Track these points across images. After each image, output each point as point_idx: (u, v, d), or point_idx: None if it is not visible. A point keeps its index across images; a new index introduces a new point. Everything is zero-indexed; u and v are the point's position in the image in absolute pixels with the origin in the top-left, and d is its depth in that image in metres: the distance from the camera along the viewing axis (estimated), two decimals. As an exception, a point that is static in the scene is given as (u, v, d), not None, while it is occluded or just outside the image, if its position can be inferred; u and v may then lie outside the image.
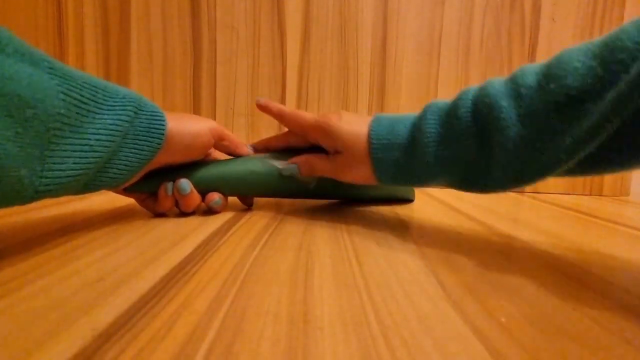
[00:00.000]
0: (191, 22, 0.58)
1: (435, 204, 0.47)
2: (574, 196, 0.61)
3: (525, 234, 0.33)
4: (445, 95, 0.61)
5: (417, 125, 0.29)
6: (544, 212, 0.45)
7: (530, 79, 0.24)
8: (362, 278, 0.21)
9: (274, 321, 0.16)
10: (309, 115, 0.37)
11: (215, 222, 0.33)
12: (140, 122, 0.28)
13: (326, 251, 0.26)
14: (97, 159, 0.24)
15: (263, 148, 0.41)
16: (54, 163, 0.21)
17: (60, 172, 0.21)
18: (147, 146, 0.29)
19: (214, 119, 0.59)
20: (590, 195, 0.63)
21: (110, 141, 0.25)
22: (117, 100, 0.26)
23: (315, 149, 0.37)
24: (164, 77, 0.58)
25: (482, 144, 0.26)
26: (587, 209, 0.49)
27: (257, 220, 0.34)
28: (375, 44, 0.60)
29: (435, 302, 0.19)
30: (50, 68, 0.20)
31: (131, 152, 0.28)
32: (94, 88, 0.24)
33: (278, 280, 0.20)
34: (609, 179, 0.64)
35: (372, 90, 0.60)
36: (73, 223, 0.31)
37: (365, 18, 0.59)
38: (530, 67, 0.25)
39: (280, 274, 0.21)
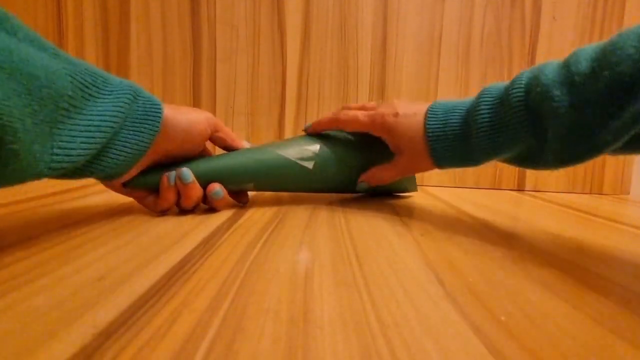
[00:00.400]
0: (191, 20, 0.58)
1: (435, 202, 0.47)
2: (574, 195, 0.61)
3: (525, 233, 0.33)
4: (445, 95, 0.61)
5: (471, 114, 0.31)
6: (544, 211, 0.45)
7: (584, 66, 0.24)
8: (362, 277, 0.21)
9: (274, 320, 0.16)
10: (362, 116, 0.38)
11: (215, 221, 0.33)
12: (138, 107, 0.29)
13: (326, 250, 0.26)
14: (100, 140, 0.25)
15: (315, 131, 0.42)
16: (62, 141, 0.22)
17: (68, 150, 0.22)
18: (145, 130, 0.29)
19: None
20: (591, 193, 0.63)
21: (112, 122, 0.26)
22: (115, 86, 0.27)
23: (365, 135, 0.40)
24: (163, 75, 0.58)
25: (535, 132, 0.27)
26: (587, 208, 0.49)
27: (257, 219, 0.34)
28: (375, 43, 0.60)
29: (435, 301, 0.19)
30: (55, 54, 0.22)
31: (130, 136, 0.28)
32: (94, 74, 0.25)
33: (278, 279, 0.20)
34: (609, 178, 0.64)
35: (372, 89, 0.60)
36: (73, 222, 0.31)
37: (365, 17, 0.59)
38: (585, 51, 0.25)
39: (280, 273, 0.21)
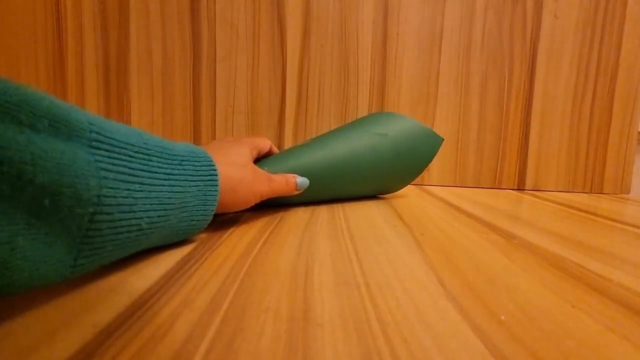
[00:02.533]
0: (190, 19, 0.58)
1: (435, 201, 0.47)
2: (574, 194, 0.61)
3: (525, 232, 0.33)
4: (446, 93, 0.61)
5: None
6: (544, 210, 0.45)
7: None
8: (362, 276, 0.21)
9: (274, 319, 0.16)
10: None
11: (215, 220, 0.33)
12: (198, 190, 0.25)
13: (326, 249, 0.26)
14: (146, 236, 0.21)
15: None
16: (92, 249, 0.17)
17: (96, 256, 0.18)
18: (198, 220, 0.26)
19: (214, 117, 0.59)
20: (591, 193, 0.63)
21: (162, 215, 0.22)
22: (174, 166, 0.23)
23: None
24: (163, 74, 0.58)
25: None
26: (587, 207, 0.49)
27: (257, 218, 0.34)
28: (375, 42, 0.60)
29: (435, 300, 0.19)
30: (95, 140, 0.17)
31: (180, 223, 0.24)
32: (146, 156, 0.21)
33: (278, 278, 0.20)
34: (609, 177, 0.64)
35: (373, 88, 0.60)
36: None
37: (365, 16, 0.59)
38: None
39: (280, 272, 0.21)
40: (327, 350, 0.14)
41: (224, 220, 0.33)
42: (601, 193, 0.64)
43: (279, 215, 0.36)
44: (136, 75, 0.58)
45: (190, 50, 0.58)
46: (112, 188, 0.18)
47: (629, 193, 0.64)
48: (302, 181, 0.37)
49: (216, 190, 0.26)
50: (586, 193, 0.63)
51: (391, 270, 0.22)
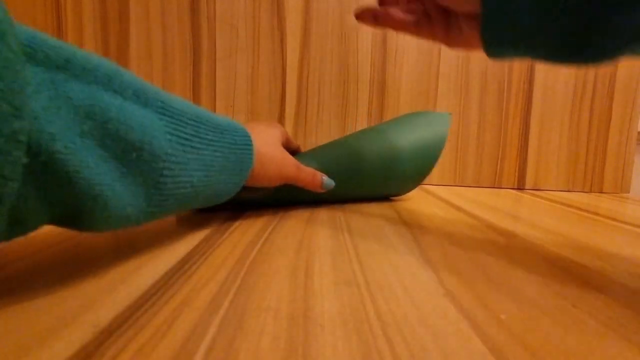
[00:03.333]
0: (190, 18, 0.58)
1: (435, 201, 0.47)
2: (574, 193, 0.61)
3: (525, 231, 0.33)
4: (446, 92, 0.61)
5: None
6: (544, 209, 0.45)
7: None
8: (363, 275, 0.21)
9: (274, 318, 0.16)
10: None
11: (215, 220, 0.33)
12: (235, 157, 0.28)
13: (326, 249, 0.26)
14: (195, 192, 0.24)
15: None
16: (160, 200, 0.21)
17: (161, 207, 0.21)
18: (234, 183, 0.29)
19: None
20: (590, 192, 0.63)
21: (207, 176, 0.25)
22: (217, 134, 0.26)
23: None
24: (163, 74, 0.58)
25: None
26: (587, 206, 0.49)
27: (257, 218, 0.34)
28: (375, 41, 0.60)
29: (435, 299, 0.19)
30: (162, 108, 0.21)
31: (219, 187, 0.27)
32: (196, 124, 0.24)
33: (278, 278, 0.20)
34: (609, 176, 0.64)
35: (373, 87, 0.60)
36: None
37: (365, 15, 0.59)
38: None
39: (280, 271, 0.21)
40: (327, 350, 0.14)
41: (224, 219, 0.33)
42: (601, 192, 0.64)
43: (279, 215, 0.36)
44: (136, 75, 0.57)
45: (190, 49, 0.58)
46: (174, 148, 0.21)
47: (628, 192, 0.64)
48: (329, 182, 0.38)
49: (250, 159, 0.30)
50: (586, 192, 0.63)
51: (391, 270, 0.22)
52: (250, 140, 0.30)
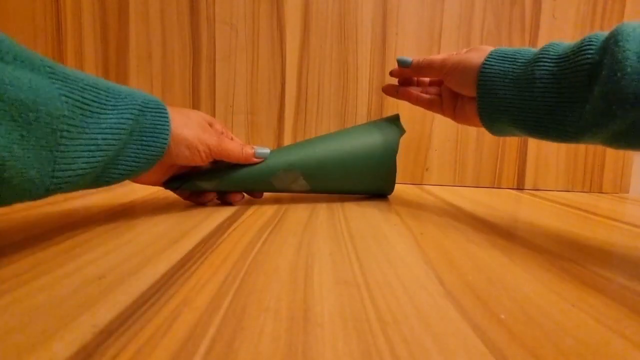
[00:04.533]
0: (190, 19, 0.58)
1: (435, 201, 0.47)
2: (574, 193, 0.61)
3: (524, 231, 0.33)
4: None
5: (530, 64, 0.29)
6: (544, 209, 0.45)
7: None
8: (362, 275, 0.21)
9: (274, 318, 0.16)
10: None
11: (215, 220, 0.33)
12: (146, 119, 0.28)
13: (326, 249, 0.26)
14: (105, 157, 0.24)
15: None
16: (64, 163, 0.21)
17: (70, 171, 0.22)
18: (154, 143, 0.29)
19: (214, 117, 0.59)
20: (590, 192, 0.63)
21: (116, 139, 0.25)
22: (120, 100, 0.26)
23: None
24: (163, 74, 0.58)
25: (594, 75, 0.25)
26: (587, 206, 0.49)
27: (257, 218, 0.34)
28: (375, 41, 0.60)
29: (434, 299, 0.19)
30: (51, 73, 0.21)
31: (138, 149, 0.28)
32: (95, 90, 0.24)
33: (278, 278, 0.20)
34: (608, 176, 0.64)
35: (372, 88, 0.60)
36: (73, 221, 0.31)
37: (364, 15, 0.59)
38: None
39: (280, 271, 0.21)
40: (327, 349, 0.14)
41: (224, 219, 0.33)
42: (600, 192, 0.64)
43: (279, 215, 0.36)
44: (136, 75, 0.57)
45: (190, 50, 0.58)
46: (71, 111, 0.21)
47: (628, 192, 0.64)
48: (261, 151, 0.38)
49: (167, 119, 0.30)
50: (585, 192, 0.63)
51: (391, 270, 0.22)
52: (162, 103, 0.30)
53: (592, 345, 0.15)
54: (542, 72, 0.28)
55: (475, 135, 0.62)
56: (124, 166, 0.27)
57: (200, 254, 0.24)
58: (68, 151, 0.21)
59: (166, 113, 0.30)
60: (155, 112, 0.29)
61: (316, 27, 0.59)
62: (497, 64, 0.31)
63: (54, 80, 0.21)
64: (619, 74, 0.23)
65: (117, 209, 0.36)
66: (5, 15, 0.55)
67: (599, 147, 0.63)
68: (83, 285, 0.19)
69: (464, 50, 0.36)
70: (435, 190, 0.57)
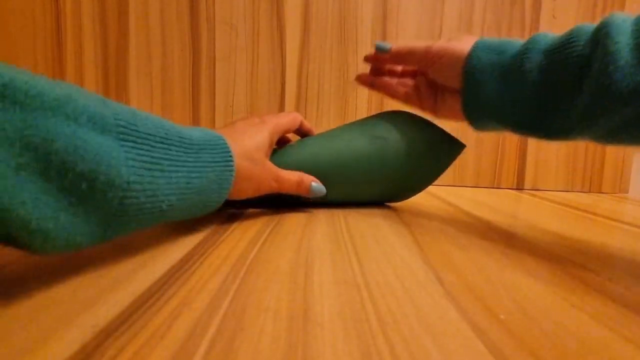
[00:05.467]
0: (190, 19, 0.58)
1: (434, 201, 0.47)
2: (573, 193, 0.61)
3: (524, 231, 0.33)
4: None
5: (521, 54, 0.28)
6: (543, 209, 0.45)
7: None
8: (362, 275, 0.21)
9: (274, 318, 0.16)
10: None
11: (215, 220, 0.33)
12: (214, 175, 0.26)
13: (326, 249, 0.26)
14: (163, 216, 0.23)
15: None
16: (119, 225, 0.20)
17: (122, 231, 0.20)
18: (216, 199, 0.28)
19: (213, 116, 0.59)
20: (590, 192, 0.63)
21: (180, 199, 0.23)
22: (191, 154, 0.24)
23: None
24: (162, 74, 0.58)
25: (584, 74, 0.24)
26: (586, 206, 0.49)
27: (256, 218, 0.34)
28: (374, 41, 0.60)
29: (434, 299, 0.19)
30: (122, 133, 0.19)
31: (198, 205, 0.26)
32: (166, 145, 0.22)
33: (278, 278, 0.20)
34: (608, 177, 0.64)
35: (372, 88, 0.60)
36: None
37: (364, 15, 0.59)
38: None
39: (280, 271, 0.21)
40: (327, 349, 0.14)
41: (224, 219, 0.33)
42: (600, 192, 0.64)
43: (279, 215, 0.36)
44: (135, 75, 0.57)
45: (190, 49, 0.58)
46: (138, 175, 0.20)
47: (627, 192, 0.64)
48: (317, 188, 0.36)
49: (231, 176, 0.28)
50: (585, 192, 0.63)
51: (391, 270, 0.22)
52: (231, 156, 0.28)
53: (592, 345, 0.15)
54: (531, 64, 0.27)
55: (475, 135, 0.62)
56: (178, 216, 0.25)
57: (200, 254, 0.24)
58: (125, 215, 0.20)
59: (232, 171, 0.28)
60: (222, 169, 0.27)
61: (316, 27, 0.59)
62: (484, 56, 0.29)
63: (123, 142, 0.19)
64: (611, 67, 0.22)
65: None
66: (5, 15, 0.55)
67: (599, 147, 0.63)
68: (83, 285, 0.19)
69: (445, 39, 0.34)
70: (435, 190, 0.57)
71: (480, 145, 0.62)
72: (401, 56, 0.36)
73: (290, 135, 0.44)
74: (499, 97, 0.29)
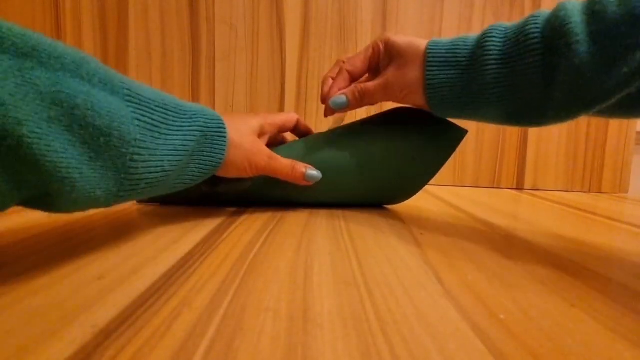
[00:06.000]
0: (190, 18, 0.58)
1: (434, 201, 0.47)
2: (573, 193, 0.61)
3: (524, 231, 0.33)
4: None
5: (479, 43, 0.28)
6: (543, 209, 0.45)
7: None
8: (362, 275, 0.21)
9: (274, 318, 0.16)
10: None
11: (215, 220, 0.33)
12: (206, 140, 0.28)
13: (326, 249, 0.26)
14: (166, 177, 0.25)
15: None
16: (130, 184, 0.22)
17: (133, 191, 0.22)
18: (210, 163, 0.30)
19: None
20: (589, 192, 0.63)
21: (178, 160, 0.25)
22: (185, 120, 0.26)
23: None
24: (162, 73, 0.58)
25: (547, 63, 0.25)
26: (586, 206, 0.49)
27: (256, 218, 0.34)
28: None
29: (434, 299, 0.19)
30: (128, 95, 0.21)
31: (195, 168, 0.28)
32: (164, 110, 0.25)
33: (278, 278, 0.20)
34: (608, 177, 0.64)
35: (372, 88, 0.60)
36: (73, 221, 0.31)
37: (364, 15, 0.59)
38: None
39: (280, 272, 0.21)
40: (327, 349, 0.14)
41: (224, 219, 0.33)
42: (600, 192, 0.64)
43: (279, 215, 0.36)
44: (135, 75, 0.57)
45: (190, 49, 0.58)
46: (142, 134, 0.22)
47: (627, 192, 0.64)
48: (313, 174, 0.35)
49: (224, 142, 0.30)
50: (585, 192, 0.63)
51: (391, 270, 0.22)
52: (224, 124, 0.30)
53: (591, 345, 0.15)
54: (491, 69, 0.27)
55: (475, 135, 0.62)
56: (178, 182, 0.28)
57: (200, 254, 0.24)
58: (135, 173, 0.22)
59: (224, 135, 0.30)
60: (215, 133, 0.29)
61: (316, 27, 0.59)
62: (440, 72, 0.30)
63: (129, 104, 0.21)
64: (576, 61, 0.23)
65: (116, 209, 0.36)
66: (5, 15, 0.55)
67: (599, 147, 0.63)
68: (82, 285, 0.19)
69: (375, 40, 0.36)
70: (435, 190, 0.57)
71: (480, 145, 0.62)
72: (360, 101, 0.35)
73: (289, 136, 0.44)
74: (466, 105, 0.30)
